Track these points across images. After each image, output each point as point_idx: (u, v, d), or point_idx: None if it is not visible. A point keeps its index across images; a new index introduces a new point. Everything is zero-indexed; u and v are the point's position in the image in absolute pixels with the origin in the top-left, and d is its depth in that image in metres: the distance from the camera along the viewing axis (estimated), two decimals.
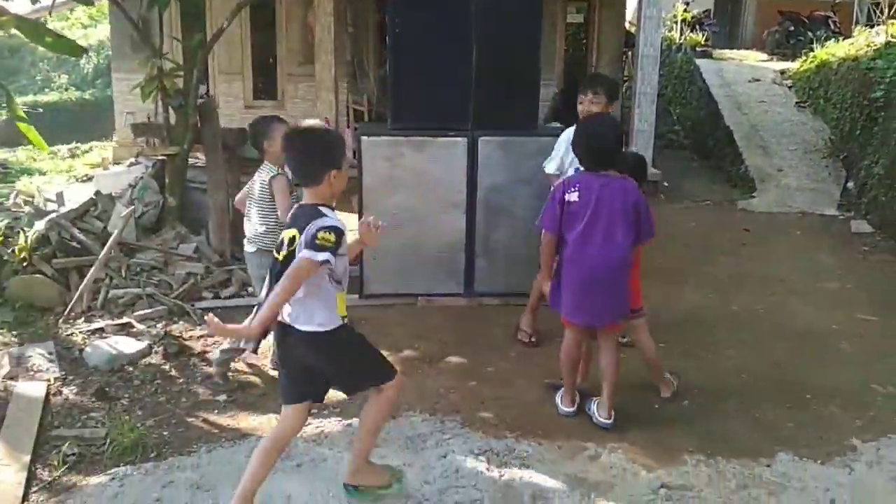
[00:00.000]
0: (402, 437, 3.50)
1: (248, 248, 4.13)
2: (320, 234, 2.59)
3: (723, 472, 3.25)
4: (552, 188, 3.68)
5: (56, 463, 3.30)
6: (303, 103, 10.90)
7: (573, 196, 3.47)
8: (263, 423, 3.68)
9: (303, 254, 2.60)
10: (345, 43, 10.78)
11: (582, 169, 3.66)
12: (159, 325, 4.90)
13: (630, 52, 11.78)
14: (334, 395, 3.87)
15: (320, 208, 2.71)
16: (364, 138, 5.09)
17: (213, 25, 8.98)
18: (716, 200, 9.31)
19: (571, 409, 3.73)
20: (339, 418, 3.69)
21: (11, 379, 4.09)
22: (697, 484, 3.16)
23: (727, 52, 15.99)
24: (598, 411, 3.63)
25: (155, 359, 4.44)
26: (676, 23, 16.69)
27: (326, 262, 2.60)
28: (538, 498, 3.06)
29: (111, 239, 5.39)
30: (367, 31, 11.13)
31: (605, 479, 3.19)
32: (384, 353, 4.30)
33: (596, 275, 3.48)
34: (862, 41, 10.95)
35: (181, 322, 5.00)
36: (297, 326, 2.77)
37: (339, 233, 2.64)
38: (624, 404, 3.70)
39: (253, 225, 4.13)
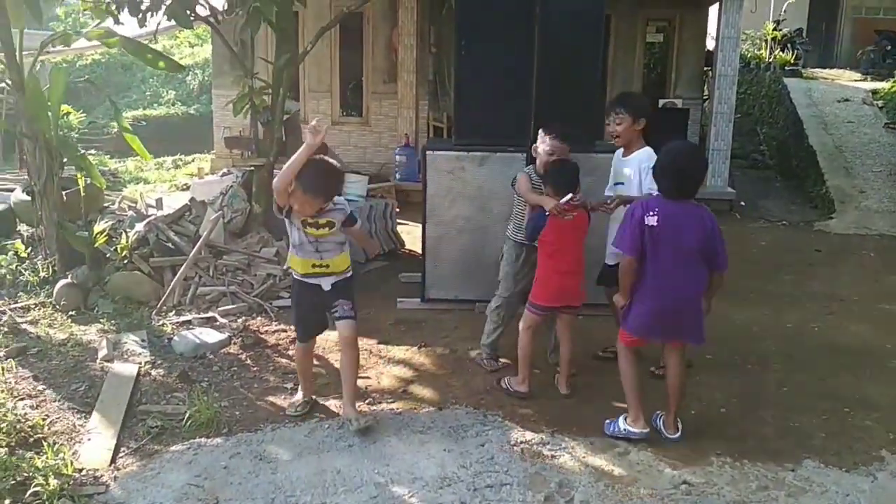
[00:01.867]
0: (445, 427, 3.80)
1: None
2: None
3: (746, 473, 3.39)
4: (629, 210, 3.60)
5: (141, 433, 3.75)
6: (386, 120, 11.41)
7: (652, 220, 3.44)
8: (322, 409, 4.04)
9: None
10: (427, 62, 11.24)
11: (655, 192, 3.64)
12: (240, 320, 5.37)
13: (710, 72, 11.76)
14: (388, 384, 4.24)
15: None
16: (429, 153, 5.45)
17: (304, 46, 9.60)
18: (792, 221, 9.22)
19: (647, 430, 3.64)
20: (391, 407, 4.02)
21: (108, 361, 4.61)
22: (719, 483, 3.32)
23: (818, 72, 15.65)
24: (665, 428, 3.68)
25: (233, 349, 4.89)
26: (766, 41, 16.44)
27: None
28: (563, 486, 3.29)
29: (200, 241, 5.94)
30: (449, 50, 11.54)
31: (630, 474, 3.39)
32: (439, 350, 4.66)
33: (672, 304, 3.52)
34: None
35: (259, 318, 5.46)
36: None
37: None
38: (662, 406, 3.85)
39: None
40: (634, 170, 4.31)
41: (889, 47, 15.31)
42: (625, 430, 3.66)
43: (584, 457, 3.54)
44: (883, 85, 13.12)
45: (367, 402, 4.10)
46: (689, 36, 12.00)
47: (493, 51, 5.38)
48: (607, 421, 3.75)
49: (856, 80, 14.69)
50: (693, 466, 3.43)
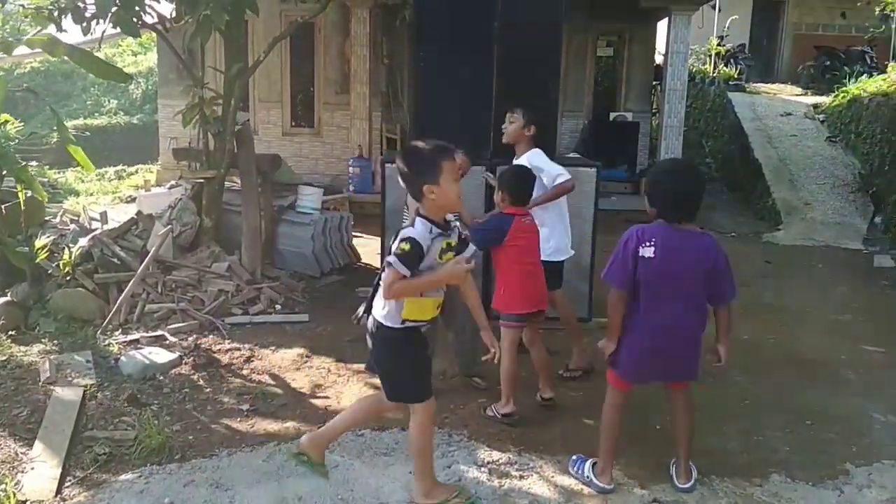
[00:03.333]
0: (409, 448, 3.69)
1: None
2: (399, 244, 2.86)
3: (715, 490, 3.37)
4: (623, 238, 3.22)
5: (88, 461, 3.55)
6: (339, 131, 11.29)
7: (648, 252, 3.10)
8: (282, 431, 3.90)
9: (388, 259, 2.90)
10: (380, 74, 11.16)
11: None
12: (190, 339, 5.17)
13: (659, 86, 11.97)
14: (347, 404, 4.11)
15: (417, 217, 2.93)
16: (388, 165, 5.35)
17: (255, 56, 9.42)
18: (741, 233, 9.39)
19: (610, 486, 3.33)
20: (352, 429, 3.89)
21: (51, 384, 4.37)
22: (689, 500, 3.29)
23: (761, 86, 16.05)
24: (677, 477, 3.37)
25: (185, 369, 4.70)
26: (710, 56, 16.82)
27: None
28: None
29: (149, 256, 5.72)
30: (402, 62, 11.49)
31: (600, 493, 3.33)
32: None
33: (670, 343, 3.22)
34: (894, 77, 11.00)
35: (211, 336, 5.27)
36: (373, 308, 3.08)
37: (413, 244, 2.84)
38: (625, 423, 3.82)
39: None
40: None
41: (828, 63, 15.77)
42: (588, 477, 3.38)
43: (552, 476, 3.47)
44: (823, 99, 13.51)
45: (326, 422, 3.96)
46: (639, 50, 12.21)
47: (452, 63, 5.34)
48: (573, 457, 3.52)
49: (797, 95, 15.12)
50: (663, 483, 3.40)
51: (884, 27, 13.94)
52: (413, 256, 2.84)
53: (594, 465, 3.40)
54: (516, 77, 5.39)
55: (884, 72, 12.60)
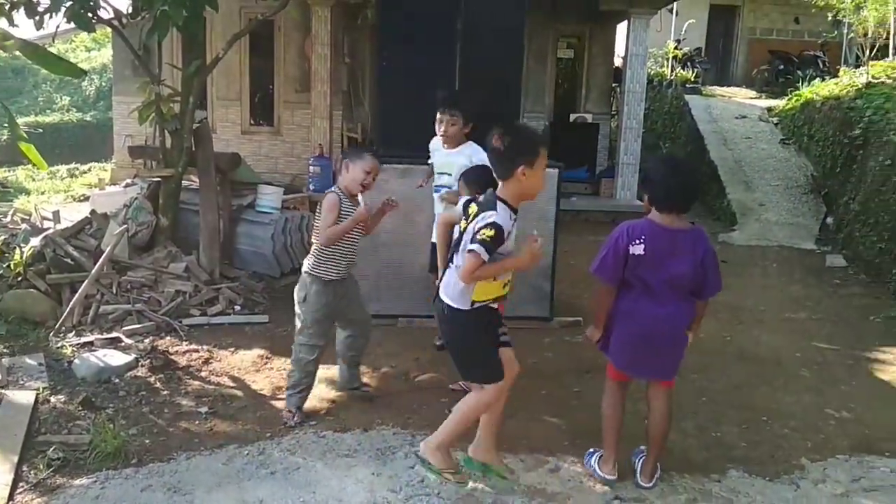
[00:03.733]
0: (373, 449, 3.67)
1: None
2: (483, 231, 2.86)
3: (675, 486, 3.42)
4: (614, 234, 3.27)
5: (42, 466, 3.44)
6: (299, 130, 11.16)
7: (638, 249, 3.16)
8: (241, 434, 3.84)
9: (471, 247, 2.89)
10: (341, 72, 11.08)
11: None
12: (147, 341, 5.07)
13: (618, 88, 12.10)
14: (310, 406, 4.08)
15: (497, 202, 2.93)
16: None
17: (213, 53, 9.26)
18: None
19: (614, 477, 3.39)
20: (314, 430, 3.86)
21: (2, 388, 4.24)
22: (650, 497, 3.33)
23: (717, 89, 16.34)
24: (641, 475, 3.40)
25: (141, 372, 4.60)
26: (668, 60, 17.07)
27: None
28: None
29: (103, 256, 5.59)
30: (364, 61, 11.42)
31: (562, 491, 3.36)
32: (362, 368, 4.53)
33: (658, 336, 3.25)
34: (845, 81, 11.27)
35: (168, 338, 5.17)
36: (440, 291, 3.10)
37: (498, 229, 2.86)
38: (587, 421, 3.86)
39: None
40: (466, 162, 4.46)
41: (782, 67, 16.12)
42: (593, 468, 3.45)
43: (516, 475, 3.48)
44: (777, 102, 13.80)
45: (287, 425, 3.92)
46: (598, 52, 12.32)
47: (415, 63, 5.34)
48: (591, 449, 3.56)
49: (752, 98, 15.42)
50: (624, 480, 3.43)
51: (836, 32, 14.31)
52: (496, 242, 2.87)
53: (601, 456, 3.47)
54: (479, 77, 5.41)
55: (836, 76, 12.91)
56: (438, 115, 4.60)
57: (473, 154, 4.56)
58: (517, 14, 5.44)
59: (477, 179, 4.15)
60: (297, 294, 4.00)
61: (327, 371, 4.63)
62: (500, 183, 3.02)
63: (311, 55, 10.11)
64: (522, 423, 4.02)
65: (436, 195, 4.69)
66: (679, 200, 3.20)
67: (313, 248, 3.94)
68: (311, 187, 9.67)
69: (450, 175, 4.58)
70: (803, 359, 5.13)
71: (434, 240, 4.67)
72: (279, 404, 4.18)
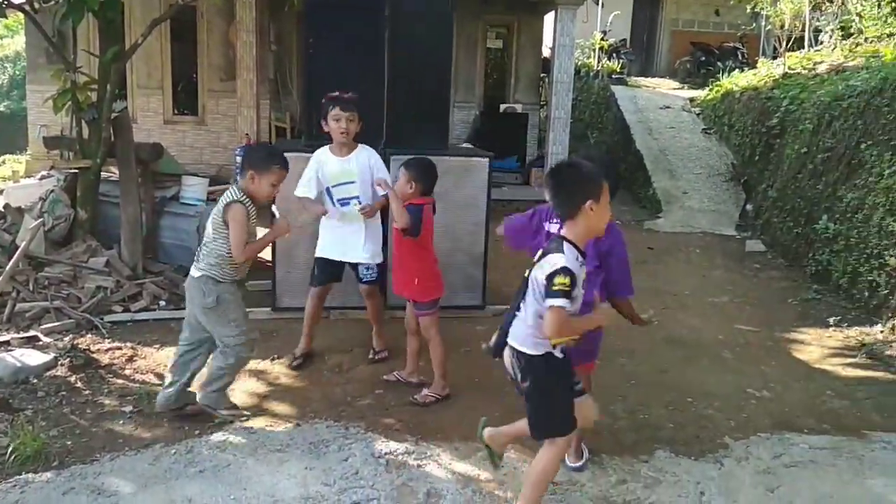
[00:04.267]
0: (305, 443, 3.62)
1: None
2: (556, 280, 2.62)
3: (605, 468, 3.49)
4: (537, 207, 3.40)
5: None
6: (224, 119, 10.92)
7: (553, 227, 3.20)
8: (168, 433, 3.73)
9: (550, 303, 2.63)
10: (267, 60, 10.87)
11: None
12: (66, 339, 4.86)
13: (546, 78, 12.24)
14: (241, 401, 3.99)
15: (565, 244, 2.72)
16: None
17: (132, 39, 8.95)
18: (625, 221, 9.74)
19: (577, 464, 3.46)
20: (244, 426, 3.78)
21: None
22: (581, 479, 3.39)
23: (642, 80, 16.70)
24: (569, 457, 3.44)
25: (61, 371, 4.41)
26: (595, 50, 17.36)
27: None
28: (432, 496, 3.22)
29: (18, 252, 5.34)
30: (291, 48, 11.23)
31: (495, 478, 3.38)
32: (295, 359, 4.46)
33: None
34: (763, 72, 11.69)
35: (89, 335, 4.98)
36: (509, 340, 2.88)
37: (571, 276, 2.62)
38: (521, 408, 3.88)
39: None
40: (365, 166, 4.46)
41: (703, 58, 16.58)
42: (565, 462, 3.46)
43: (450, 464, 3.49)
44: (699, 93, 14.20)
45: (216, 421, 3.83)
46: (527, 43, 12.44)
47: (343, 50, 5.25)
48: None
49: (675, 89, 15.83)
50: None
51: (754, 25, 14.78)
52: (573, 287, 2.64)
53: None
54: (408, 65, 5.37)
55: (754, 67, 13.37)
56: (335, 114, 4.36)
57: (371, 157, 4.49)
58: (446, 1, 5.41)
59: (426, 171, 4.12)
60: (204, 301, 3.67)
61: (258, 365, 4.55)
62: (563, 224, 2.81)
63: (236, 42, 9.87)
64: (457, 411, 4.04)
65: (344, 209, 4.46)
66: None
67: (217, 255, 3.67)
68: (238, 178, 9.47)
69: (354, 183, 4.44)
70: (725, 341, 5.31)
71: (322, 254, 4.57)
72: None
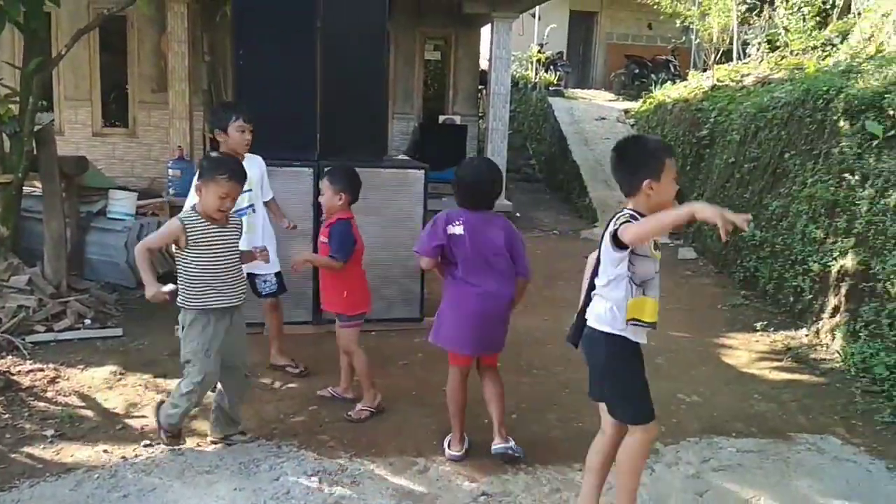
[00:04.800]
0: (235, 464, 3.53)
1: None
2: (621, 219, 2.66)
3: (539, 478, 3.50)
4: (434, 218, 3.59)
5: None
6: (156, 131, 10.68)
7: (457, 229, 3.47)
8: (91, 457, 3.59)
9: (615, 228, 2.67)
10: (201, 71, 10.68)
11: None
12: None
13: (484, 90, 12.35)
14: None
15: (629, 212, 2.72)
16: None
17: (59, 49, 8.69)
18: (563, 230, 9.88)
19: (459, 454, 3.64)
20: (171, 449, 3.66)
21: None
22: (515, 490, 3.38)
23: (578, 92, 17.02)
24: (497, 441, 3.63)
25: None
26: (532, 63, 17.61)
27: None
28: None
29: None
30: (225, 59, 11.06)
31: (430, 492, 3.35)
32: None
33: (489, 311, 3.51)
34: (693, 84, 12.03)
35: (10, 357, 4.77)
36: (587, 322, 2.89)
37: (635, 219, 2.66)
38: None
39: None
40: (258, 175, 4.52)
41: (637, 71, 17.02)
42: (443, 448, 3.71)
43: (384, 479, 3.45)
44: (633, 105, 14.55)
45: (143, 444, 3.70)
46: (464, 55, 12.52)
47: (274, 61, 5.19)
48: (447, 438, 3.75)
49: (610, 101, 16.17)
50: (490, 476, 3.48)
51: (685, 38, 15.23)
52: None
53: (450, 438, 3.69)
54: (341, 76, 5.34)
55: (685, 79, 13.75)
56: (240, 125, 4.29)
57: (261, 164, 4.56)
58: (378, 13, 5.40)
59: (351, 180, 4.10)
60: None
61: None
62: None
63: (168, 53, 9.68)
64: (392, 425, 4.01)
65: (243, 218, 4.15)
66: (484, 203, 3.55)
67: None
68: (171, 191, 9.25)
69: (251, 191, 4.39)
70: (659, 347, 5.38)
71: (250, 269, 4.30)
72: (134, 423, 3.95)
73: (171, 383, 4.42)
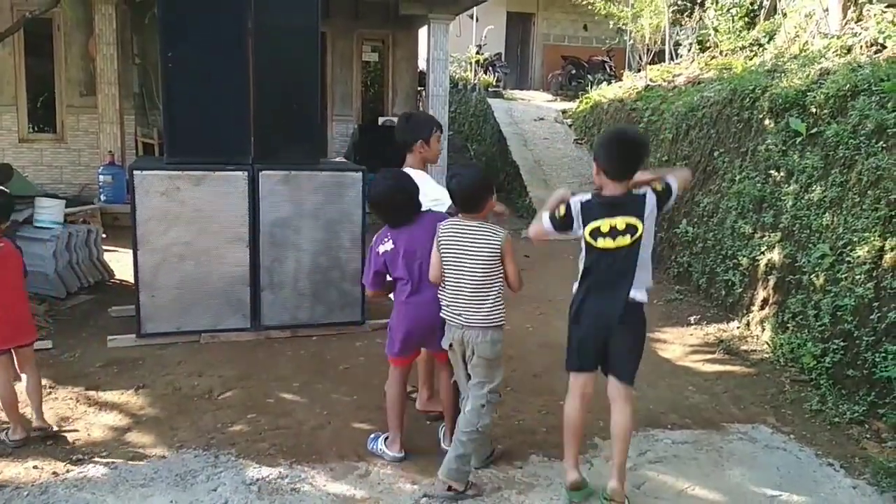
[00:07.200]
0: (171, 476, 3.45)
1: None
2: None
3: (480, 476, 3.52)
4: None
5: None
6: (86, 136, 10.36)
7: (387, 245, 3.57)
8: (21, 474, 3.46)
9: (672, 179, 3.32)
10: (131, 74, 10.42)
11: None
12: None
13: (423, 91, 12.35)
14: (100, 435, 3.77)
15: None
16: (137, 172, 4.97)
17: None
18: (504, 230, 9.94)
19: (400, 454, 3.66)
20: (105, 462, 3.57)
21: None
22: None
23: (517, 93, 17.17)
24: (444, 440, 3.74)
25: None
26: (471, 64, 17.69)
27: None
28: None
29: None
30: (157, 61, 10.80)
31: (371, 496, 3.34)
32: (160, 390, 4.30)
33: (429, 318, 3.54)
34: (628, 84, 12.26)
35: None
36: (632, 296, 3.24)
37: None
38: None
39: None
40: None
41: (574, 72, 17.26)
42: (381, 450, 3.70)
43: (324, 485, 3.43)
44: (571, 105, 14.75)
45: (74, 458, 3.59)
46: (402, 56, 12.50)
47: (204, 63, 5.09)
48: (372, 435, 3.81)
49: (548, 101, 16.36)
50: (431, 478, 3.47)
51: (619, 39, 15.50)
52: None
53: (386, 438, 3.71)
54: (273, 79, 5.28)
55: (620, 79, 14.01)
56: (440, 135, 4.38)
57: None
58: (311, 12, 5.34)
59: None
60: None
61: (120, 396, 4.32)
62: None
63: (97, 56, 9.41)
64: (332, 431, 3.98)
65: None
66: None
67: None
68: (103, 198, 9.01)
69: None
70: None
71: None
72: (66, 437, 3.82)
73: (105, 395, 4.32)
